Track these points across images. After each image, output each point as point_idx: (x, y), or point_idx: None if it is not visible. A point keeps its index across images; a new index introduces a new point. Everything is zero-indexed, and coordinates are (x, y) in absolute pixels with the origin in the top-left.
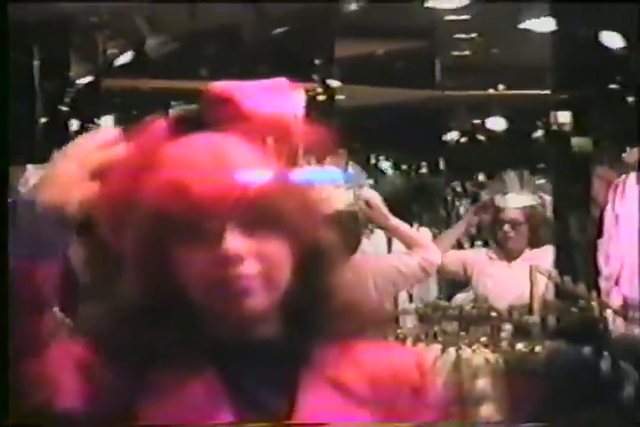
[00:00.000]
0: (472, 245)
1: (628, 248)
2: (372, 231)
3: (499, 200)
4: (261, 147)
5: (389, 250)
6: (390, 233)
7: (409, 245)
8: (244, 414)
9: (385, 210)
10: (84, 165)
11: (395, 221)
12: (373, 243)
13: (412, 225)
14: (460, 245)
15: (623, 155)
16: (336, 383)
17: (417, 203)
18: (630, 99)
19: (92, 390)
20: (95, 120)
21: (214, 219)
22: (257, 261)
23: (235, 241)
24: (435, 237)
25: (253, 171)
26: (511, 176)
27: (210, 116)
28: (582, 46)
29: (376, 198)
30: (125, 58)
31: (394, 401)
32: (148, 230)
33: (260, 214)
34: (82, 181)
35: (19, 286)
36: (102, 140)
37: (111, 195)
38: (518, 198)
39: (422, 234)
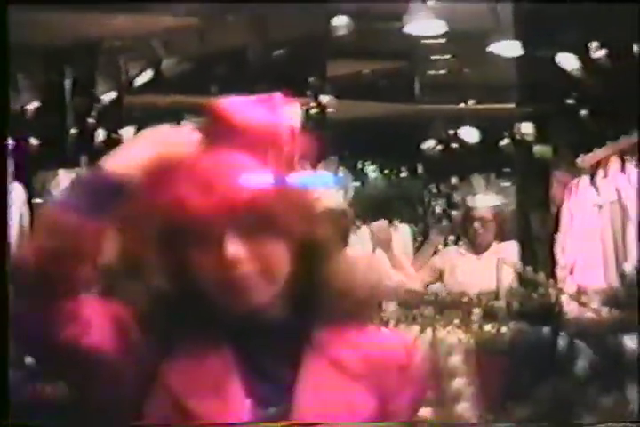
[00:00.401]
0: (445, 244)
1: (581, 241)
2: (358, 227)
3: (469, 200)
4: (260, 156)
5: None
6: (389, 257)
7: (397, 267)
8: (254, 384)
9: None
10: (154, 148)
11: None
12: (360, 238)
13: (392, 221)
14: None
15: (577, 160)
16: (333, 360)
17: (398, 202)
18: (583, 112)
19: (121, 342)
20: (118, 131)
21: (214, 227)
22: (256, 260)
23: (234, 246)
24: (414, 232)
25: (251, 178)
26: (478, 179)
27: (213, 130)
28: (542, 67)
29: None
30: (144, 77)
31: (384, 377)
32: (164, 235)
33: (256, 219)
34: (147, 160)
35: (67, 236)
36: (179, 137)
37: (151, 188)
38: (485, 199)
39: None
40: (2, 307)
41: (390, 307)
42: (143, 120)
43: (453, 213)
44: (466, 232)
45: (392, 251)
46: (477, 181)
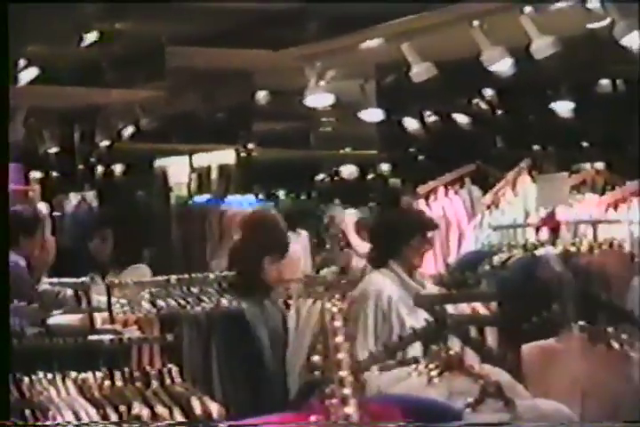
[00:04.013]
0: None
1: None
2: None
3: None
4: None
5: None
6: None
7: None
8: None
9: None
10: None
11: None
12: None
13: (295, 230)
14: None
15: (417, 189)
16: None
17: (299, 216)
18: (421, 157)
19: None
20: (111, 166)
21: None
22: None
23: None
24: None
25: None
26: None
27: None
28: (394, 126)
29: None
30: (128, 130)
31: None
32: None
33: None
34: None
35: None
36: None
37: None
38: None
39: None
40: (2, 306)
41: (292, 286)
42: (129, 159)
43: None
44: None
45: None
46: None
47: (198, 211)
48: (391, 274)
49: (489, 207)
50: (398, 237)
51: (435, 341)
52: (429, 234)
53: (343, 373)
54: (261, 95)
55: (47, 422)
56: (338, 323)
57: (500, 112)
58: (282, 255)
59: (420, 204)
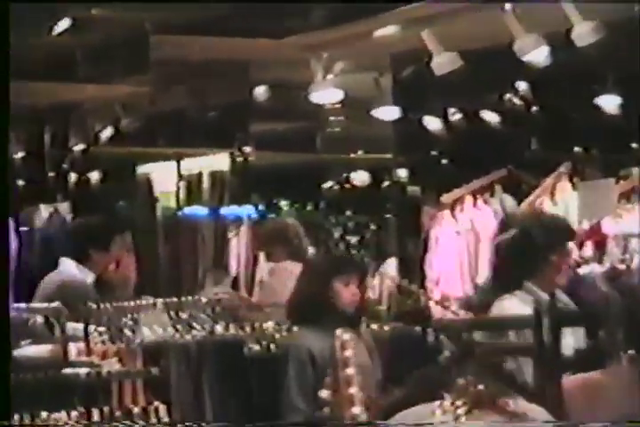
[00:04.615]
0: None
1: (444, 260)
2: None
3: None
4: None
5: None
6: None
7: None
8: None
9: None
10: None
11: None
12: None
13: None
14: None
15: (441, 198)
16: None
17: (304, 228)
18: (444, 161)
19: None
20: (87, 174)
21: None
22: None
23: None
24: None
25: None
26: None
27: None
28: (413, 126)
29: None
30: (107, 132)
31: None
32: None
33: None
34: None
35: None
36: None
37: None
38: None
39: None
40: (2, 306)
41: None
42: (107, 166)
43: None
44: None
45: None
46: None
47: (188, 224)
48: (529, 297)
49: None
50: (535, 251)
51: (461, 374)
52: (569, 245)
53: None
54: (260, 91)
55: (47, 422)
56: (349, 352)
57: (535, 109)
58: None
59: (445, 215)
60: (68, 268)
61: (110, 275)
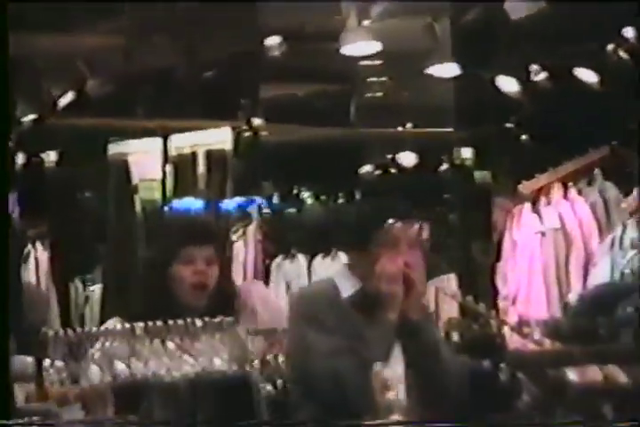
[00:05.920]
0: None
1: (524, 271)
2: (294, 256)
3: None
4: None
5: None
6: None
7: None
8: None
9: None
10: None
11: None
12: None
13: (330, 251)
14: None
15: (518, 187)
16: None
17: (335, 229)
18: (524, 137)
19: None
20: (40, 154)
21: None
22: None
23: None
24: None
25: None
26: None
27: None
28: (481, 89)
29: None
30: (68, 98)
31: None
32: None
33: None
34: None
35: None
36: None
37: None
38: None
39: None
40: (2, 306)
41: None
42: (66, 143)
43: None
44: None
45: None
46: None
47: (178, 222)
48: None
49: (632, 215)
50: None
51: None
52: None
53: None
54: (273, 42)
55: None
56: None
57: None
58: None
59: (525, 208)
60: None
61: None
